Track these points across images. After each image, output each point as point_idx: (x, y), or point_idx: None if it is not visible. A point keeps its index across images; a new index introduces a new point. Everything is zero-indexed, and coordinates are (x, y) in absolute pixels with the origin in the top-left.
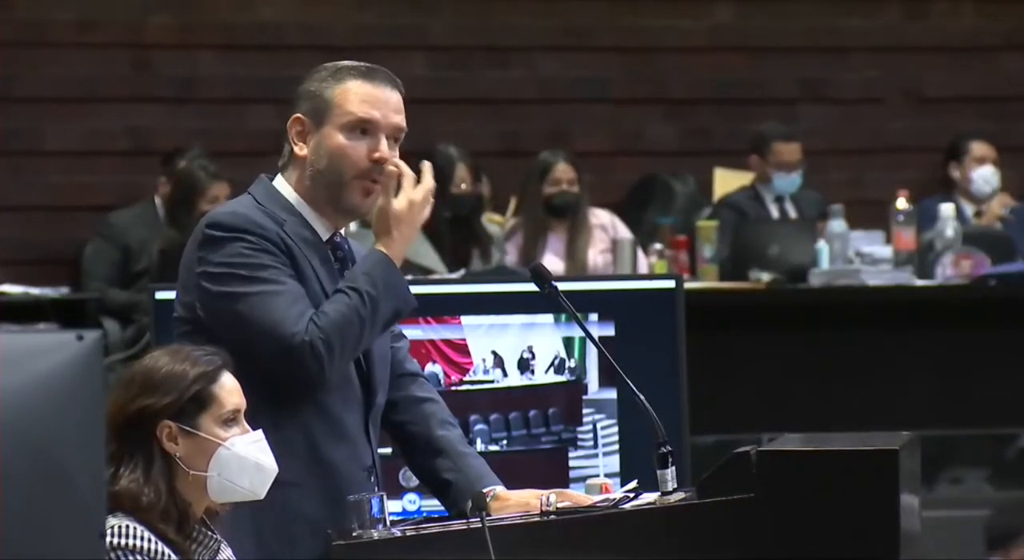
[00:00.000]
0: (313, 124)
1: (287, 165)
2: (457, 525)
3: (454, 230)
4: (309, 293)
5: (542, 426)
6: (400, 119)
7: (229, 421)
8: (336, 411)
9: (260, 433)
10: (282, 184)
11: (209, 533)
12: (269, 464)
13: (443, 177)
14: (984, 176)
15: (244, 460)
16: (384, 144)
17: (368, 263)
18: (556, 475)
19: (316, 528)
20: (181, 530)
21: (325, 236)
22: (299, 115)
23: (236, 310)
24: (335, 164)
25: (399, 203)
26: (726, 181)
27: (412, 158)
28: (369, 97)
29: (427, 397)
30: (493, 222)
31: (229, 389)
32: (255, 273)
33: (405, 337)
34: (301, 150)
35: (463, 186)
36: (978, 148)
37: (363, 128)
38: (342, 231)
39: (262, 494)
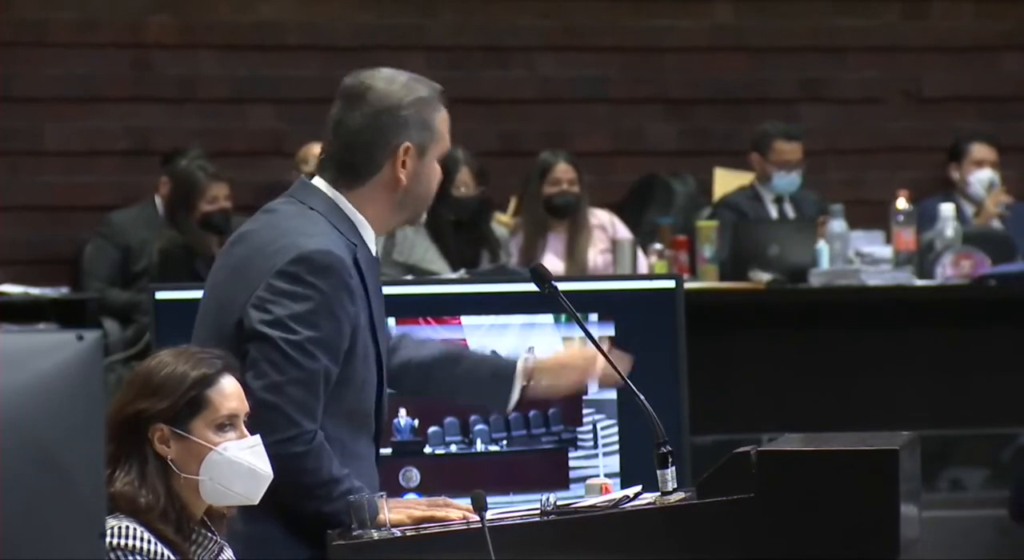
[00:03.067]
0: (418, 153)
1: (362, 183)
2: (457, 525)
3: (459, 233)
4: (361, 324)
5: (542, 426)
6: None
7: (224, 426)
8: (353, 440)
9: (257, 438)
10: (342, 201)
11: (209, 535)
12: (263, 470)
13: (446, 179)
14: (980, 180)
15: (236, 465)
16: None
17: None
18: (556, 475)
19: None
20: (180, 531)
21: (376, 252)
22: (410, 145)
23: (264, 357)
24: (431, 189)
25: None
26: (726, 181)
27: None
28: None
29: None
30: (501, 223)
31: (227, 393)
32: (302, 340)
33: None
34: (405, 177)
35: (463, 189)
36: (978, 151)
37: None
38: None
39: (256, 499)
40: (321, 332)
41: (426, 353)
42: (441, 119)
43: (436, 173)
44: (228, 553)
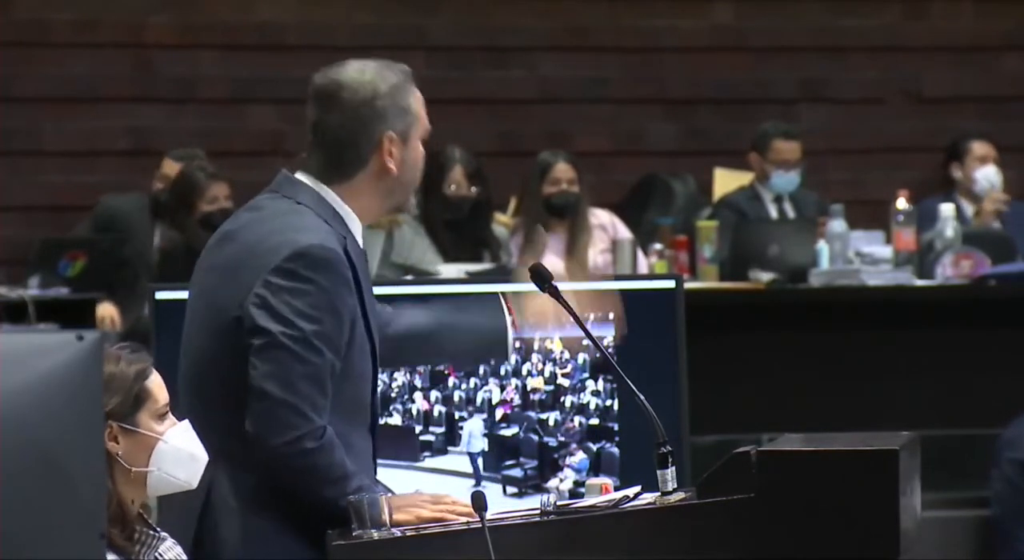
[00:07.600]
0: (401, 140)
1: (349, 178)
2: (457, 525)
3: (453, 232)
4: (357, 316)
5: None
6: None
7: (163, 415)
8: (350, 432)
9: (187, 423)
10: (329, 194)
11: (149, 531)
12: (201, 454)
13: (438, 177)
14: (987, 175)
15: (180, 451)
16: None
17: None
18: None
19: None
20: (124, 531)
21: (363, 244)
22: (393, 134)
23: (269, 354)
24: (418, 172)
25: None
26: (726, 181)
27: None
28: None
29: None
30: (501, 223)
31: (159, 384)
32: (306, 334)
33: None
34: (394, 166)
35: (453, 187)
36: (979, 148)
37: None
38: None
39: (195, 484)
40: (324, 326)
41: (424, 319)
42: (416, 100)
43: (421, 154)
44: (177, 550)
